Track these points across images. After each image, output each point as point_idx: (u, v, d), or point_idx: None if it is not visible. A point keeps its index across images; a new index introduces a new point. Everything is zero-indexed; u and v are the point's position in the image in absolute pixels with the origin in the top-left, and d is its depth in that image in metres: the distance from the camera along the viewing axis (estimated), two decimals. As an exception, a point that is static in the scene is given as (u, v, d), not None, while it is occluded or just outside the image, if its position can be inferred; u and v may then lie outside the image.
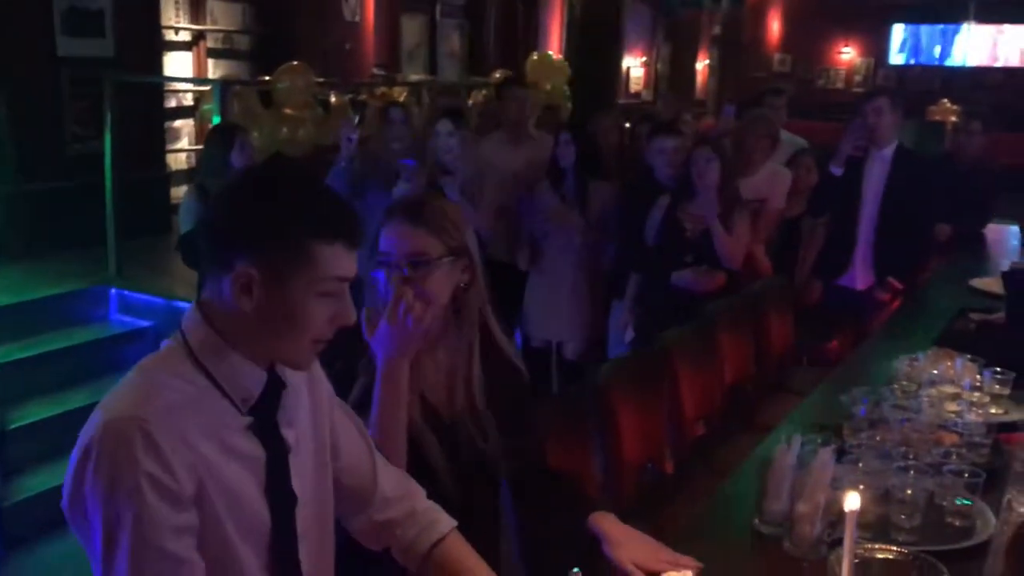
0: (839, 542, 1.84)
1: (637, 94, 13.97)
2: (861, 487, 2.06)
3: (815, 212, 4.83)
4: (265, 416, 1.43)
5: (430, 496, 1.75)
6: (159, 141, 7.07)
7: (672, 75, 14.80)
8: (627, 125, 5.97)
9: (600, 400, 2.93)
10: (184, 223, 4.65)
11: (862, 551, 1.94)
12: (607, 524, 1.91)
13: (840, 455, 2.22)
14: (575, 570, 1.33)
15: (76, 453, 1.30)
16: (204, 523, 1.33)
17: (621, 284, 4.84)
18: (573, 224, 4.61)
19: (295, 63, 5.78)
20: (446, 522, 1.70)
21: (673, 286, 4.26)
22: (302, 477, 1.48)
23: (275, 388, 1.45)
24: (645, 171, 4.70)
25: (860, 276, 4.73)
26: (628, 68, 13.72)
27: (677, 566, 1.78)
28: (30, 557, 4.02)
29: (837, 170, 4.63)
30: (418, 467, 1.85)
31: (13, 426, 4.43)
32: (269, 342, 1.40)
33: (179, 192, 6.93)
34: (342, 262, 1.38)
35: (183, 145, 7.91)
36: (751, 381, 3.99)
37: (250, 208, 1.37)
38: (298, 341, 1.40)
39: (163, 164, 7.14)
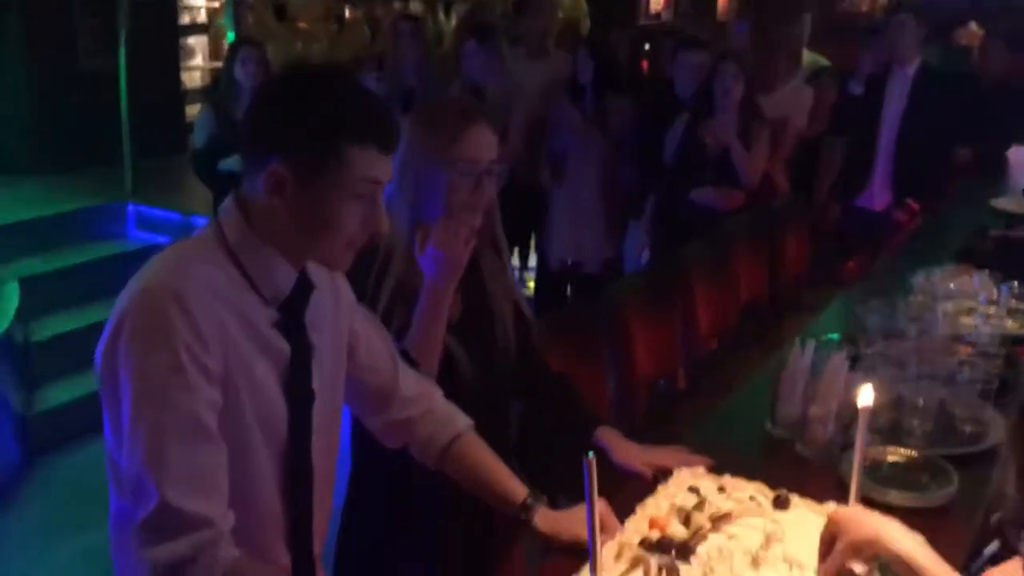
0: (850, 445, 1.87)
1: (657, 15, 13.71)
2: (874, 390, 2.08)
3: (835, 132, 4.77)
4: (292, 314, 1.45)
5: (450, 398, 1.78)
6: (173, 58, 7.01)
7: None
8: (647, 46, 5.89)
9: (613, 316, 2.95)
10: (198, 139, 4.64)
11: (873, 453, 1.97)
12: (613, 438, 1.95)
13: (853, 363, 2.23)
14: (590, 454, 1.35)
15: (112, 319, 1.31)
16: (227, 406, 1.35)
17: (639, 203, 4.83)
18: (594, 140, 4.58)
19: (311, -23, 5.71)
20: (463, 420, 1.74)
21: (691, 205, 4.25)
22: (321, 376, 1.51)
23: (305, 288, 1.46)
24: (665, 87, 4.65)
25: (878, 197, 4.69)
26: (647, -12, 13.42)
27: (688, 462, 1.82)
28: (52, 466, 4.11)
29: (858, 88, 4.57)
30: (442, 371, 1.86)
31: (35, 339, 4.51)
32: (302, 241, 1.41)
33: (194, 111, 6.89)
34: (375, 166, 1.38)
35: (197, 63, 7.84)
36: (766, 299, 4.00)
37: (287, 107, 1.37)
38: (331, 243, 1.41)
39: (177, 82, 7.10)
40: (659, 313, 3.19)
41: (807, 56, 5.07)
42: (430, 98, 4.33)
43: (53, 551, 3.55)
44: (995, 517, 1.42)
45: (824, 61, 5.28)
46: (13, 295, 4.43)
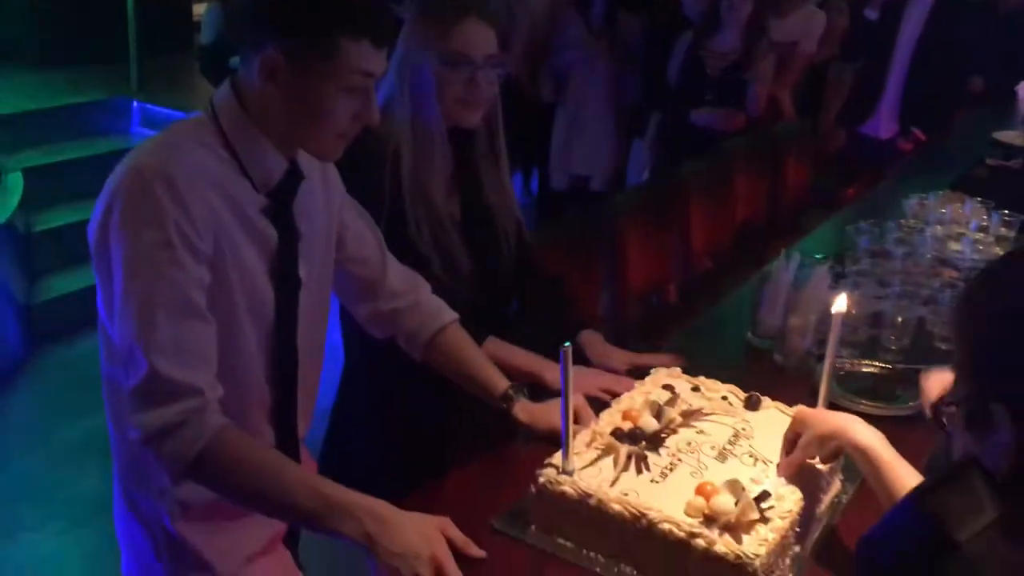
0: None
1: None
2: (854, 311, 2.12)
3: (846, 57, 4.73)
4: (281, 201, 1.47)
5: (454, 293, 1.82)
6: (181, -48, 6.90)
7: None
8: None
9: (609, 228, 2.98)
10: (206, 36, 4.61)
11: (848, 364, 2.02)
12: (594, 340, 2.00)
13: (838, 280, 2.27)
14: (566, 344, 1.39)
15: (103, 196, 1.34)
16: (216, 287, 1.39)
17: (643, 122, 4.82)
18: (599, 55, 4.54)
19: None
20: (448, 314, 1.78)
21: (692, 125, 4.23)
22: (308, 264, 1.54)
23: (294, 177, 1.48)
24: (673, 5, 4.60)
25: (884, 125, 4.68)
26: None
27: (663, 363, 1.87)
28: (53, 354, 4.20)
29: (872, 14, 4.51)
30: (448, 272, 1.89)
31: (37, 229, 4.55)
32: (293, 130, 1.42)
33: (201, 9, 6.81)
34: (368, 58, 1.38)
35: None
36: (764, 221, 4.02)
37: None
38: (322, 133, 1.42)
39: (185, -22, 7.00)
40: (654, 228, 3.22)
41: (823, -22, 5.00)
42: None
43: (52, 435, 3.66)
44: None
45: (838, -17, 5.21)
46: (17, 185, 4.46)
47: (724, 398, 1.74)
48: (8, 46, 5.44)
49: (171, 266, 1.32)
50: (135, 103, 5.46)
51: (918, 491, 0.95)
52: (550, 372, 1.82)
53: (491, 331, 1.91)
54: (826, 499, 1.57)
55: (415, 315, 1.76)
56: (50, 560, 3.00)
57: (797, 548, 1.44)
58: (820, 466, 1.53)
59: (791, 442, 1.52)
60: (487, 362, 1.76)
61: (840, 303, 1.56)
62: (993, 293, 0.98)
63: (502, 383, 1.72)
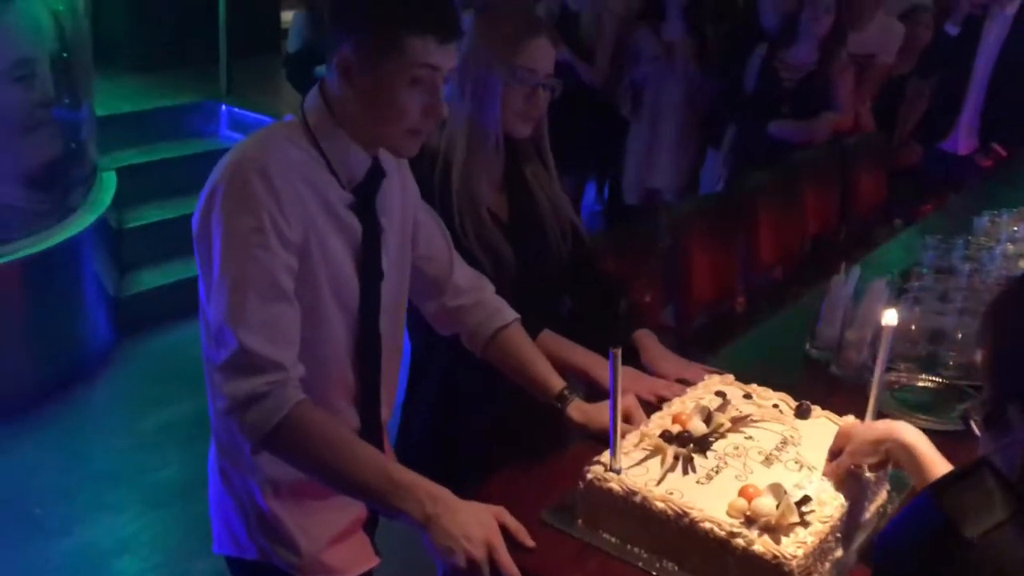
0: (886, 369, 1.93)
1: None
2: (913, 326, 2.13)
3: (924, 72, 4.67)
4: (365, 197, 1.58)
5: (501, 292, 1.90)
6: (273, -39, 7.14)
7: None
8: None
9: (673, 235, 3.02)
10: (292, 44, 4.77)
11: (905, 378, 2.04)
12: (648, 340, 2.05)
13: (899, 294, 2.28)
14: (616, 346, 1.45)
15: (207, 187, 1.46)
16: (304, 275, 1.49)
17: (718, 133, 4.83)
18: (674, 66, 4.57)
19: None
20: (510, 313, 1.86)
21: (769, 137, 4.24)
22: (388, 258, 1.64)
23: (377, 174, 1.59)
24: (750, 17, 4.60)
25: (963, 141, 4.61)
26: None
27: (712, 372, 1.91)
28: (141, 345, 4.40)
29: (953, 29, 4.46)
30: (494, 268, 1.97)
31: (129, 225, 4.78)
32: (370, 127, 1.52)
33: (288, 16, 7.02)
34: (433, 52, 1.47)
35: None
36: (835, 233, 4.01)
37: None
38: (394, 128, 1.51)
39: (275, -15, 7.24)
40: (721, 237, 3.25)
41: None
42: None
43: (137, 423, 3.83)
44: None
45: (923, -2, 5.14)
46: (111, 183, 4.68)
47: (775, 406, 1.77)
48: (108, 50, 5.69)
49: (263, 250, 1.43)
50: (224, 107, 5.68)
51: (933, 486, 0.99)
52: (601, 370, 1.88)
53: (545, 326, 1.98)
54: (872, 507, 1.60)
55: (478, 313, 1.84)
56: (130, 542, 3.15)
57: (839, 553, 1.47)
58: (867, 474, 1.55)
59: (835, 455, 1.55)
60: (544, 362, 1.83)
61: (890, 317, 1.59)
62: (1016, 301, 1.02)
63: (558, 383, 1.79)
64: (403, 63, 1.46)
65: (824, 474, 1.54)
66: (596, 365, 1.91)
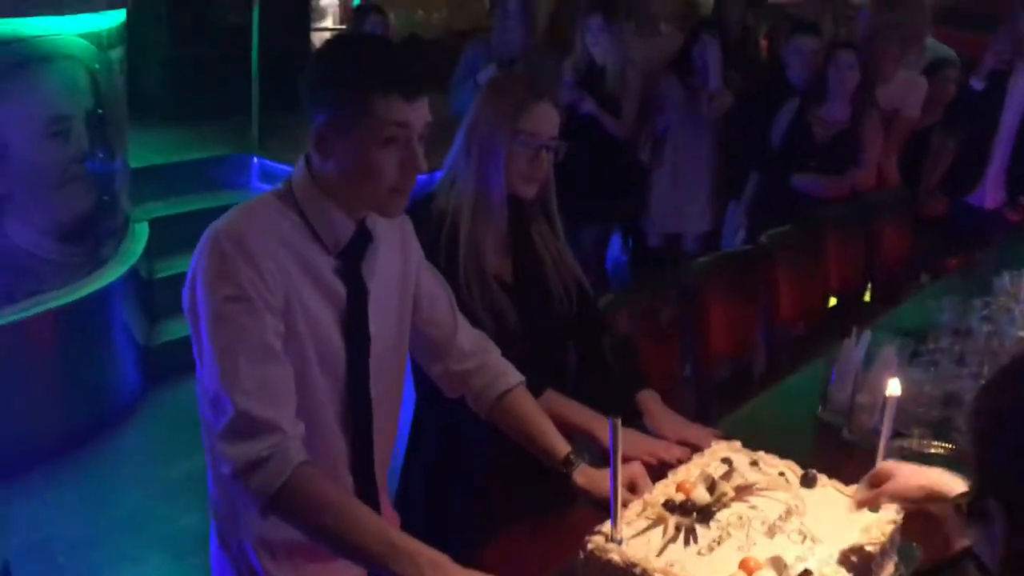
0: (896, 435, 1.93)
1: (790, -6, 13.33)
2: (927, 387, 2.12)
3: (950, 126, 4.66)
4: (351, 261, 1.60)
5: (504, 354, 1.91)
6: (304, 18, 7.31)
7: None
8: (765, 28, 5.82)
9: (689, 290, 3.02)
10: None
11: (916, 443, 2.02)
12: (652, 403, 2.05)
13: (914, 357, 2.27)
14: (615, 416, 1.46)
15: (192, 262, 1.51)
16: (288, 341, 1.52)
17: (739, 184, 4.84)
18: (698, 117, 4.61)
19: (437, -55, 5.87)
20: (514, 376, 1.87)
21: (793, 190, 4.25)
22: (380, 322, 1.66)
23: (363, 239, 1.62)
24: (777, 71, 4.63)
25: (990, 194, 4.58)
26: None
27: (717, 437, 1.91)
28: (168, 393, 4.45)
29: (978, 84, 4.45)
30: (498, 329, 2.00)
31: (160, 275, 4.86)
32: (350, 191, 1.55)
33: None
34: (399, 110, 1.49)
35: (327, 24, 8.13)
36: (859, 289, 3.99)
37: (320, 69, 1.54)
38: (374, 188, 1.54)
39: (307, 42, 7.38)
40: (739, 292, 3.24)
41: (930, 45, 4.95)
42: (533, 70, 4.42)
43: (162, 472, 3.86)
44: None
45: (948, 52, 5.14)
46: (142, 234, 4.78)
47: (781, 474, 1.77)
48: (143, 103, 5.84)
49: (247, 316, 1.46)
50: (255, 159, 5.78)
51: (916, 573, 0.98)
52: (603, 431, 1.88)
53: (549, 386, 1.99)
54: (877, 581, 1.58)
55: (482, 376, 1.85)
56: (150, 592, 3.17)
57: (843, 627, 1.46)
58: (871, 548, 1.54)
59: (872, 485, 1.55)
60: (550, 426, 1.84)
61: (894, 387, 1.58)
62: (1000, 391, 1.02)
63: (563, 447, 1.80)
64: (373, 124, 1.49)
65: (857, 503, 1.56)
66: (601, 427, 1.91)
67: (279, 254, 1.51)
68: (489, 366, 1.86)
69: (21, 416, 3.77)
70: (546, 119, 1.96)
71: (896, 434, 2.01)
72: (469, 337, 1.86)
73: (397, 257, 1.71)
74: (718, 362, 3.13)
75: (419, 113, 1.53)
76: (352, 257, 1.60)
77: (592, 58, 4.48)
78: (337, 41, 1.66)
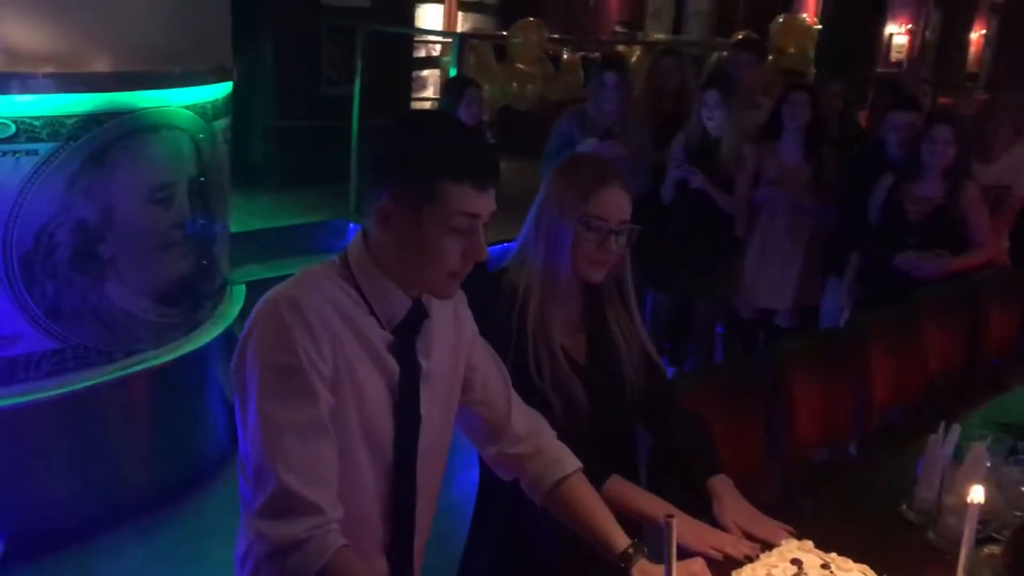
0: (987, 540, 1.81)
1: (898, 63, 13.13)
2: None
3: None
4: (405, 338, 1.58)
5: (571, 434, 1.86)
6: (405, 89, 7.52)
7: (941, 44, 13.75)
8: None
9: (775, 373, 2.91)
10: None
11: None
12: (724, 489, 1.96)
13: (1011, 454, 2.12)
14: (669, 517, 1.40)
15: (245, 326, 1.50)
16: (335, 413, 1.48)
17: (839, 260, 4.70)
18: (793, 189, 4.52)
19: (531, 19, 5.98)
20: (571, 462, 1.81)
21: (896, 269, 4.09)
22: (431, 402, 1.62)
23: (418, 315, 1.59)
24: (876, 145, 4.52)
25: (1111, 276, 4.33)
26: (890, 35, 12.91)
27: (787, 533, 1.81)
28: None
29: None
30: (566, 409, 1.96)
31: (254, 338, 4.95)
32: (409, 271, 1.54)
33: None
34: (470, 201, 1.48)
35: (429, 94, 8.34)
36: (959, 374, 3.79)
37: (392, 146, 1.53)
38: (435, 272, 1.53)
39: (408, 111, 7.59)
40: (829, 376, 3.11)
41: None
42: (629, 142, 4.42)
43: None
44: None
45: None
46: (239, 296, 4.90)
47: (854, 579, 1.66)
48: (249, 171, 6.07)
49: (299, 389, 1.43)
50: (351, 224, 5.92)
51: None
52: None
53: (616, 469, 1.93)
54: None
55: (538, 462, 1.80)
56: (223, 657, 3.17)
57: None
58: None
59: None
60: (608, 516, 1.77)
61: (977, 494, 1.48)
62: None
63: (622, 541, 1.73)
64: (441, 211, 1.47)
65: None
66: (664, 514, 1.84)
67: (335, 324, 1.49)
68: (544, 451, 1.80)
69: (112, 472, 3.86)
70: (615, 203, 1.93)
71: (988, 539, 1.88)
72: (523, 419, 1.81)
73: (450, 333, 1.69)
74: (804, 448, 3.00)
75: (488, 203, 1.52)
76: (407, 334, 1.58)
77: (706, 131, 4.46)
78: (411, 119, 1.67)
